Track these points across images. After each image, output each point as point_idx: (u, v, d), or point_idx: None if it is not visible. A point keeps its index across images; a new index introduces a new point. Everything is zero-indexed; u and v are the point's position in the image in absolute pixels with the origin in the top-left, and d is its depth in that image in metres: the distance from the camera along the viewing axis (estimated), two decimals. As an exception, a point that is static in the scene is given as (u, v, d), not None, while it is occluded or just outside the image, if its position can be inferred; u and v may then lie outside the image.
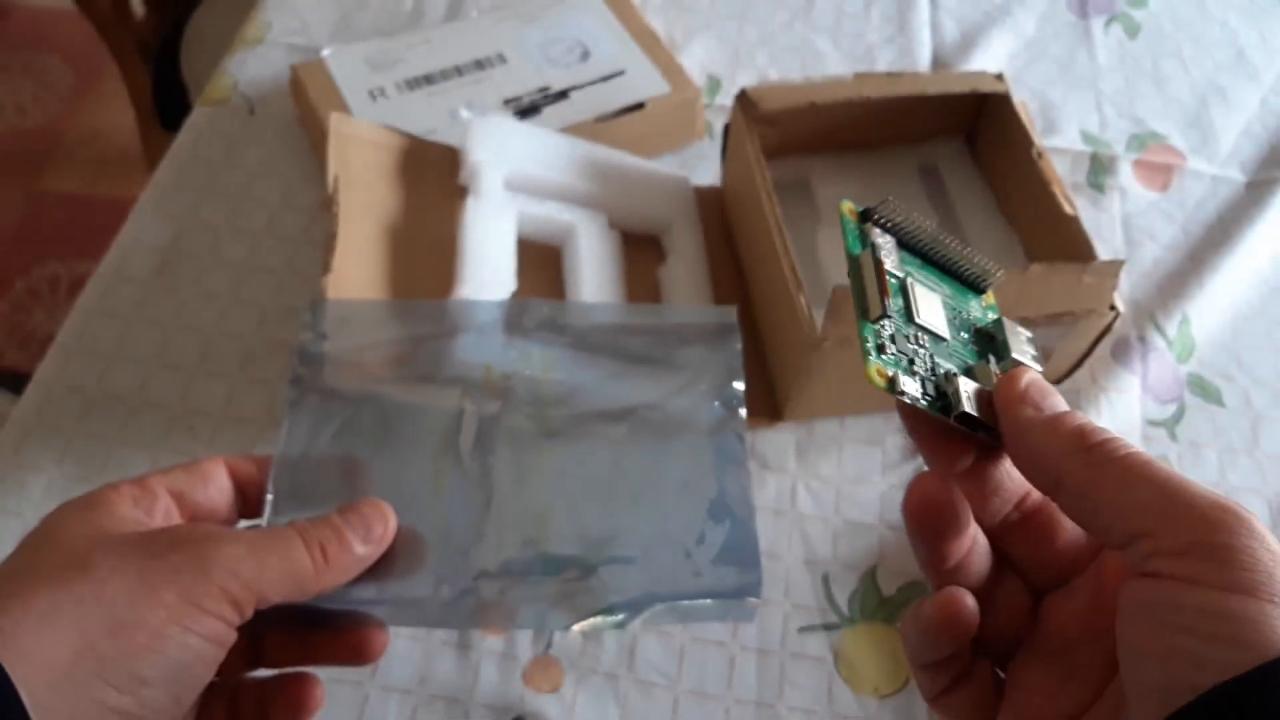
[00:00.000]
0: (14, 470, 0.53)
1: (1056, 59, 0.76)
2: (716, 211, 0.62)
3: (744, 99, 0.56)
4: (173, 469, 0.32)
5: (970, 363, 0.29)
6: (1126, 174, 0.69)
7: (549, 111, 0.65)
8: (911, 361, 0.27)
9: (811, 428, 0.56)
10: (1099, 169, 0.69)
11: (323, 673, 0.34)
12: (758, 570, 0.33)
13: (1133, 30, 0.79)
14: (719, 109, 0.71)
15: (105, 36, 1.04)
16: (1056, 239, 0.54)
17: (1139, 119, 0.72)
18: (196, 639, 0.28)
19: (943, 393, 0.27)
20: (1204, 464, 0.56)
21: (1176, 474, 0.23)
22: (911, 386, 0.26)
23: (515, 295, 0.52)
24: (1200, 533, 0.22)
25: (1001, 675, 0.28)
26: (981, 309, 0.31)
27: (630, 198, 0.59)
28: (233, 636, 0.29)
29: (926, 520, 0.27)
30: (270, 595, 0.29)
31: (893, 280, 0.28)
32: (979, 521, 0.28)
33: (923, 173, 0.64)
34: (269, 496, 0.34)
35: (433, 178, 0.57)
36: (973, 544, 0.28)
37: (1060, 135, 0.71)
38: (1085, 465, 0.24)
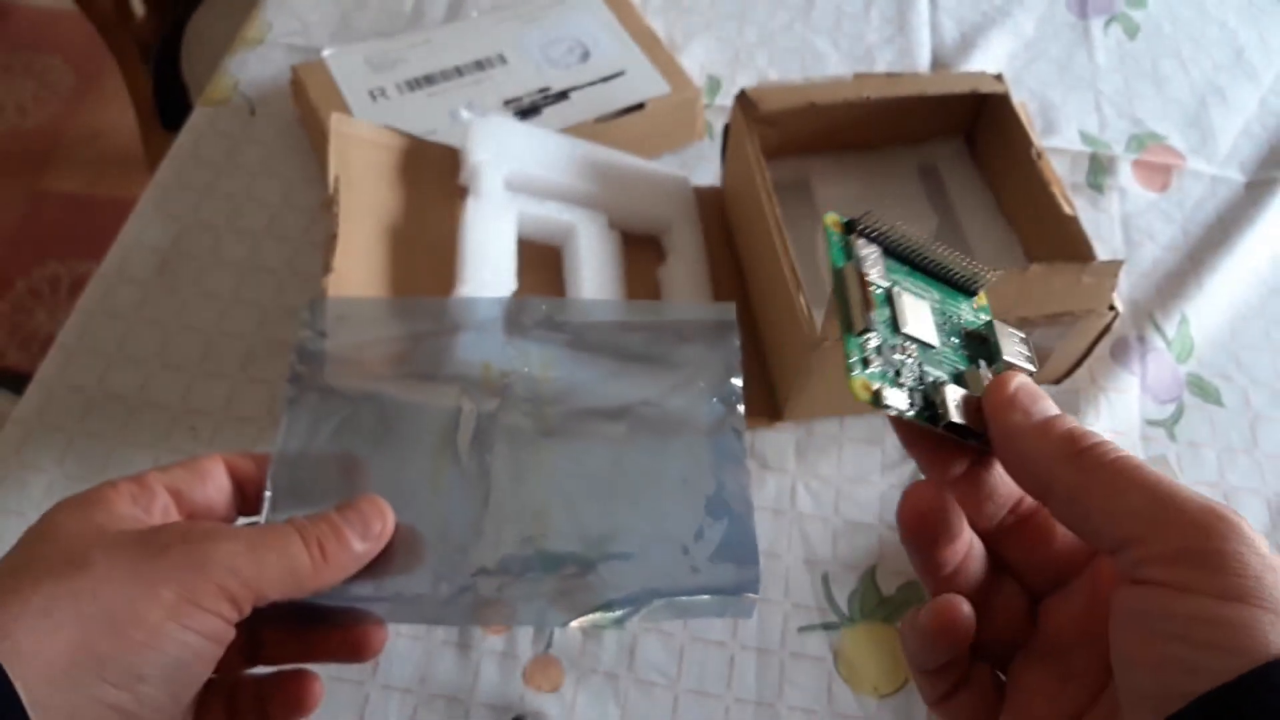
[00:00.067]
0: (15, 470, 0.53)
1: (1056, 59, 0.76)
2: (716, 212, 0.62)
3: (744, 99, 0.57)
4: (171, 467, 0.32)
5: (961, 368, 0.29)
6: (1126, 174, 0.69)
7: (549, 112, 0.65)
8: (898, 372, 0.27)
9: (811, 427, 0.56)
10: (1098, 169, 0.69)
11: (323, 671, 0.34)
12: (756, 567, 0.33)
13: (1132, 31, 0.79)
14: (719, 109, 0.71)
15: (106, 37, 1.04)
16: (1056, 239, 0.54)
17: (1138, 119, 0.72)
18: (194, 636, 0.28)
19: (931, 402, 0.27)
20: (1203, 464, 0.56)
21: (1166, 478, 0.23)
22: (897, 398, 0.26)
23: (515, 295, 0.52)
24: (1190, 539, 0.22)
25: (1002, 678, 0.28)
26: (974, 311, 0.31)
27: (630, 198, 0.59)
28: (231, 633, 0.29)
29: (920, 529, 0.27)
30: (268, 592, 0.29)
31: (878, 291, 0.28)
32: (974, 526, 0.28)
33: (922, 173, 0.64)
34: (267, 494, 0.34)
35: (433, 178, 0.57)
36: (968, 550, 0.28)
37: (1059, 135, 0.71)
38: (1075, 470, 0.24)
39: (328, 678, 0.47)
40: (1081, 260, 0.50)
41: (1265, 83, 0.75)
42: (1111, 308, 0.51)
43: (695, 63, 0.74)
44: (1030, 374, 0.28)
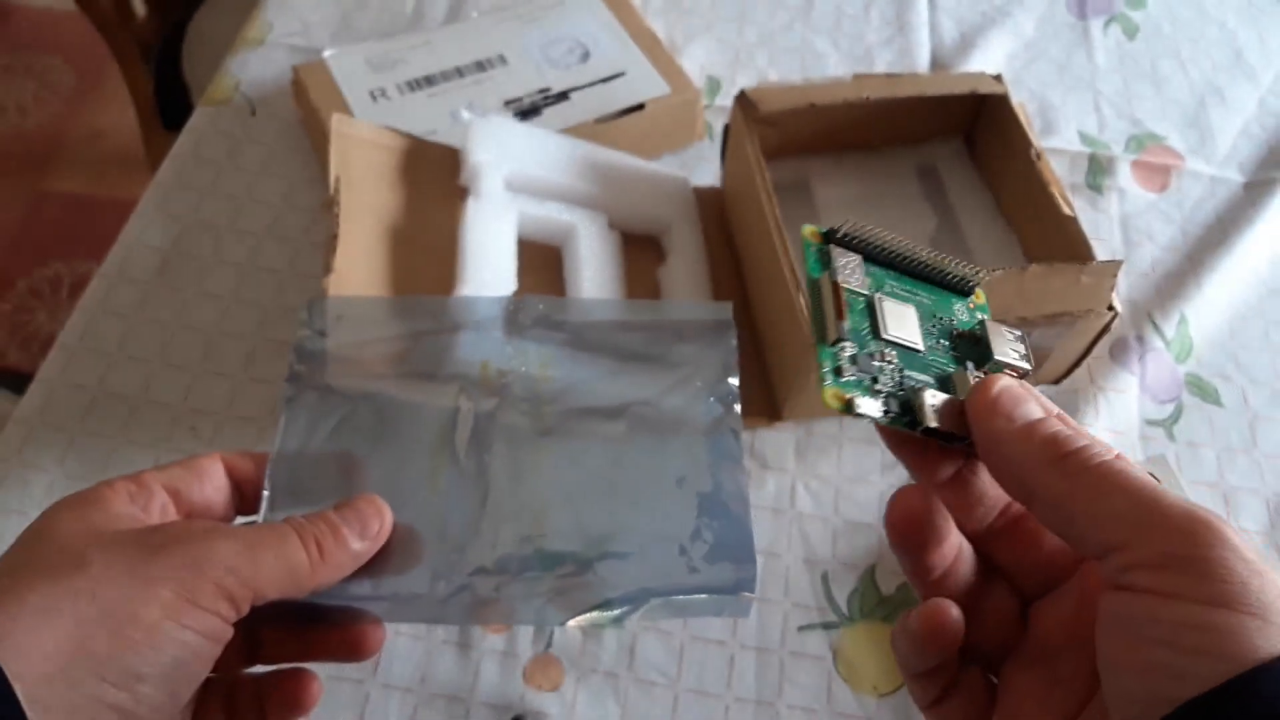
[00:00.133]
0: (17, 469, 0.53)
1: (1055, 60, 0.76)
2: (716, 212, 0.62)
3: (743, 100, 0.57)
4: (169, 466, 0.32)
5: (948, 371, 0.29)
6: (1125, 175, 0.69)
7: (549, 112, 0.65)
8: (875, 379, 0.27)
9: (810, 427, 0.57)
10: (1097, 170, 0.69)
11: (324, 670, 0.35)
12: (753, 566, 0.33)
13: (1131, 31, 0.79)
14: (719, 110, 0.71)
15: (107, 37, 1.04)
16: (1055, 239, 0.54)
17: (1137, 120, 0.72)
18: (192, 635, 0.28)
19: (910, 407, 0.27)
20: (1202, 464, 0.56)
21: (1151, 482, 0.23)
22: (870, 406, 0.27)
23: (515, 295, 0.52)
24: (1175, 544, 0.22)
25: (994, 682, 0.28)
26: (969, 311, 0.31)
27: (630, 198, 0.60)
28: (229, 633, 0.29)
29: (907, 533, 0.27)
30: (266, 591, 0.29)
31: (857, 298, 0.28)
32: (964, 529, 0.28)
33: (921, 173, 0.64)
34: (265, 493, 0.34)
35: (433, 178, 0.57)
36: (957, 553, 0.28)
37: (1059, 136, 0.71)
38: (1058, 476, 0.24)
39: (328, 677, 0.47)
40: (1080, 260, 0.50)
41: (1264, 83, 0.75)
42: (1110, 308, 0.51)
43: (695, 63, 0.74)
44: (1025, 372, 0.28)
